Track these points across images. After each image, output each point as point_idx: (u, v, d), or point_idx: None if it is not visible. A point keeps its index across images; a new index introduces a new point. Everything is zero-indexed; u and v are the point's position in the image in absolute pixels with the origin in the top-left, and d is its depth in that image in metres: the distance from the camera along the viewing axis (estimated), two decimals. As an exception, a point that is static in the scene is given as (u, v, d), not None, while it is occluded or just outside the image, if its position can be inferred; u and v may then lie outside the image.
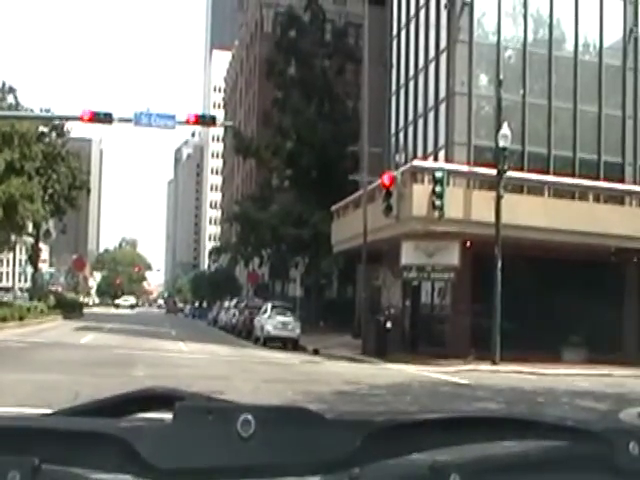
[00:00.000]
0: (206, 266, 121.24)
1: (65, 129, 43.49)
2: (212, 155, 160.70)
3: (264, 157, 47.29)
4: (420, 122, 31.13)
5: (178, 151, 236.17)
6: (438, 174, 22.43)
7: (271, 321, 29.76)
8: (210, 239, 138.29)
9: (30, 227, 43.22)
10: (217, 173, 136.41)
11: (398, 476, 1.11)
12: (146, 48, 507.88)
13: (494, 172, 22.25)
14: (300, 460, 1.06)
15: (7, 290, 62.70)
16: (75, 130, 53.44)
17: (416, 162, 25.71)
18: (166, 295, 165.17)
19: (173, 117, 23.54)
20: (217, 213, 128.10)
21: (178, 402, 1.11)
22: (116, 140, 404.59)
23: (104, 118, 23.04)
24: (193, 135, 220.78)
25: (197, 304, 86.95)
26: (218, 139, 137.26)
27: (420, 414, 1.27)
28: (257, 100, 67.12)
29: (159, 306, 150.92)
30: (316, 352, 26.30)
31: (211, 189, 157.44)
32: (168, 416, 1.06)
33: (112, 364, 15.32)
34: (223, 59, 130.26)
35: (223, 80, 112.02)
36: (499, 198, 21.91)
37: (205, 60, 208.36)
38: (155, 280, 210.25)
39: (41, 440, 1.02)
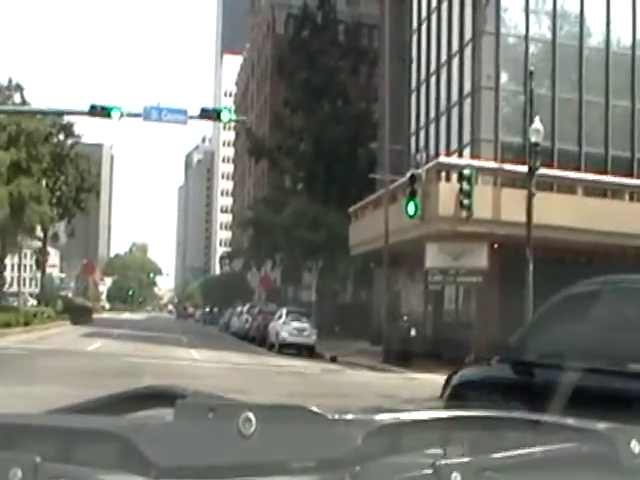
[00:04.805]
0: (217, 271, 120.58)
1: (77, 134, 42.61)
2: (223, 160, 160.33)
3: (277, 159, 46.64)
4: (443, 119, 29.81)
5: (189, 156, 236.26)
6: (466, 171, 21.15)
7: (286, 327, 28.94)
8: (221, 244, 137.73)
9: (38, 230, 42.22)
10: (228, 178, 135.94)
11: (399, 474, 1.09)
12: (157, 54, 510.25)
13: (525, 169, 20.99)
14: (301, 458, 1.06)
15: (17, 295, 61.90)
16: (86, 135, 52.93)
17: (442, 159, 24.44)
18: (176, 300, 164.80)
19: (185, 112, 22.44)
20: (228, 218, 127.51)
21: (179, 400, 1.09)
22: (127, 146, 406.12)
23: (112, 113, 21.89)
24: (204, 140, 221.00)
25: (208, 309, 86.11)
26: (229, 144, 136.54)
27: (421, 412, 1.24)
28: (269, 102, 66.53)
29: (169, 311, 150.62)
30: (333, 360, 25.41)
31: (222, 194, 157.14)
32: (169, 414, 1.04)
33: (119, 374, 14.12)
34: (234, 63, 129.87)
35: (234, 84, 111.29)
36: (530, 197, 20.57)
37: (216, 65, 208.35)
38: (165, 285, 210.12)
39: (42, 438, 1.02)
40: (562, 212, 22.04)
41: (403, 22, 33.02)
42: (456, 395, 5.82)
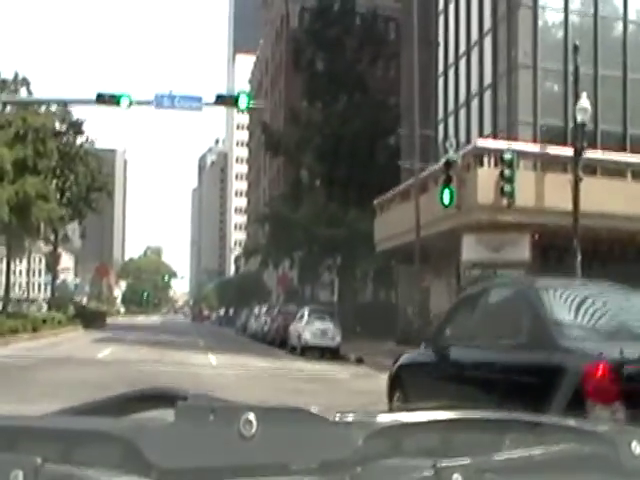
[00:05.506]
0: (232, 272, 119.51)
1: (90, 139, 41.28)
2: (236, 161, 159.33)
3: (293, 153, 45.27)
4: (474, 102, 27.83)
5: (202, 159, 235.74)
6: (507, 155, 19.34)
7: (309, 328, 27.26)
8: (235, 245, 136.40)
9: (49, 232, 40.74)
10: (242, 179, 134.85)
11: (400, 476, 1.08)
12: (169, 57, 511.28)
13: (570, 152, 19.13)
14: (302, 460, 1.06)
15: (29, 301, 60.66)
16: (99, 141, 51.81)
17: (480, 142, 22.55)
18: (192, 303, 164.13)
19: (199, 99, 20.85)
20: (242, 219, 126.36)
21: (180, 401, 1.09)
22: (140, 150, 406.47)
23: (121, 101, 20.35)
24: (217, 142, 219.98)
25: (224, 311, 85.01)
26: (242, 144, 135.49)
27: (422, 414, 1.24)
28: (284, 97, 65.27)
29: (185, 314, 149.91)
30: (360, 361, 23.80)
31: (236, 195, 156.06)
32: (170, 415, 1.04)
33: (130, 386, 12.18)
34: (246, 64, 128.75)
35: (247, 82, 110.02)
36: (577, 182, 18.72)
37: (228, 67, 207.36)
38: (180, 288, 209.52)
39: (44, 439, 1.03)
40: (610, 198, 20.24)
41: (428, 3, 31.04)
42: (395, 375, 7.25)
